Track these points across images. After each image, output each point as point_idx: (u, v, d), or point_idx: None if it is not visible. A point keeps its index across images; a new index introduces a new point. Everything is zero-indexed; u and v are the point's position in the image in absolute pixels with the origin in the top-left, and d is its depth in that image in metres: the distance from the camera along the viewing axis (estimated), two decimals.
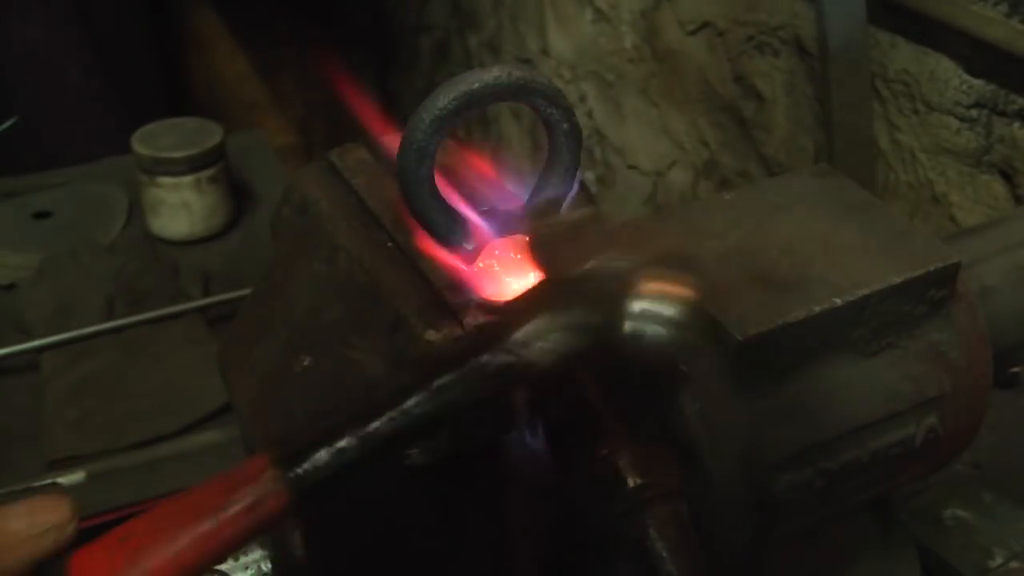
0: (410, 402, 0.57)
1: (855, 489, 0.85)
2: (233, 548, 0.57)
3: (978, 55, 1.59)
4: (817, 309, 0.78)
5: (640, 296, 0.60)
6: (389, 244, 0.69)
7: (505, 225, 0.65)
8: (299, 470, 0.57)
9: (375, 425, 0.57)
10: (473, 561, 0.71)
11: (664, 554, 0.63)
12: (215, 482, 0.58)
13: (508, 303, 0.62)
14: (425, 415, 0.58)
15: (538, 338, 0.57)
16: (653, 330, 0.61)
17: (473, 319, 0.62)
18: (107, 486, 1.34)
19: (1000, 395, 0.98)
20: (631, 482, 0.63)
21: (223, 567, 0.77)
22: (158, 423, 1.42)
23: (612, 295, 0.60)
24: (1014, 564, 1.07)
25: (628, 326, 0.60)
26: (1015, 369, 1.18)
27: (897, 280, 0.81)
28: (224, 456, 1.36)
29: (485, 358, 0.57)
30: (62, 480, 1.34)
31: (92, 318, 1.58)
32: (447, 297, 0.63)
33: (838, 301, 0.79)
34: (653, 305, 0.60)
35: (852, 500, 0.86)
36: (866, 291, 0.80)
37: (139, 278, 1.67)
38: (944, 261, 0.83)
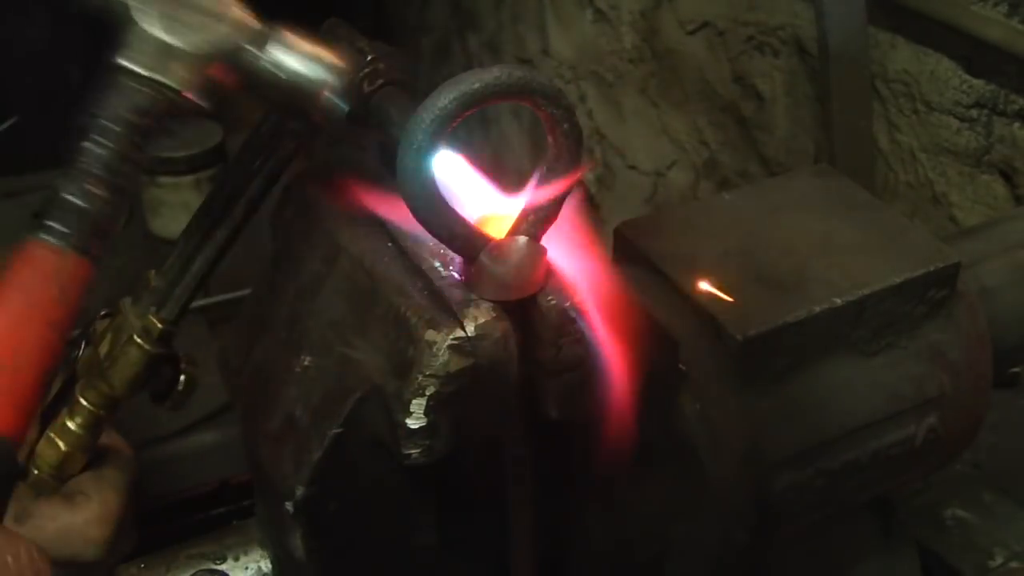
0: None
1: (855, 489, 0.85)
2: None
3: (978, 55, 1.59)
4: (817, 309, 0.78)
5: None
6: (389, 244, 0.69)
7: (505, 225, 0.65)
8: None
9: None
10: (473, 561, 0.71)
11: None
12: None
13: None
14: None
15: None
16: None
17: (473, 319, 0.62)
18: None
19: (1000, 395, 0.98)
20: None
21: (223, 567, 0.77)
22: (158, 423, 1.42)
23: None
24: (1014, 564, 1.07)
25: None
26: (1015, 369, 1.18)
27: (897, 280, 0.81)
28: (224, 456, 1.36)
29: None
30: None
31: (92, 318, 1.57)
32: (447, 297, 0.63)
33: (838, 301, 0.79)
34: None
35: (852, 500, 0.87)
36: (866, 291, 0.80)
37: (139, 278, 1.67)
38: (944, 261, 0.83)
